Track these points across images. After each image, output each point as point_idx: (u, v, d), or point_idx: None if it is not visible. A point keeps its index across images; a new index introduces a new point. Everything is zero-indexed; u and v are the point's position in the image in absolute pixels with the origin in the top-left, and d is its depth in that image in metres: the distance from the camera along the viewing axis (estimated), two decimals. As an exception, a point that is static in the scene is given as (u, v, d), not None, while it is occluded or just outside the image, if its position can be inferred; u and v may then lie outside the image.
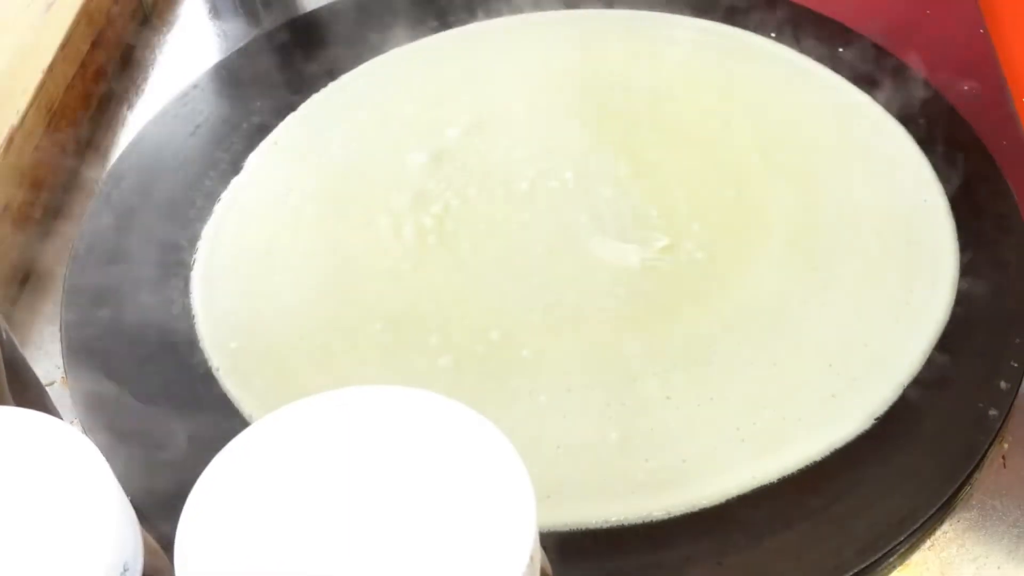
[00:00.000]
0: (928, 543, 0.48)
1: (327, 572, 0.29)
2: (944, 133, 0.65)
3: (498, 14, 0.72)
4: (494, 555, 0.30)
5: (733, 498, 0.48)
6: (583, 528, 0.47)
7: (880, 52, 0.70)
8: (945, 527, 0.49)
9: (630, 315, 0.55)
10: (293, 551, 0.29)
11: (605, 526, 0.47)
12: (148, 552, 0.32)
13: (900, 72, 0.68)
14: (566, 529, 0.47)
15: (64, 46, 0.66)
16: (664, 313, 0.55)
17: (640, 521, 0.47)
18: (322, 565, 0.29)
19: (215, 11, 0.78)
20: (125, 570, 0.30)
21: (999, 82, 0.71)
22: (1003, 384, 0.52)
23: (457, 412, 0.34)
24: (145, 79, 0.72)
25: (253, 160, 0.63)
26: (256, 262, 0.57)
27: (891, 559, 0.47)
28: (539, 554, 0.32)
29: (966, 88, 0.70)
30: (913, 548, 0.48)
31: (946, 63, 0.71)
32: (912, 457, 0.50)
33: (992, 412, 0.51)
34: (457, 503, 0.31)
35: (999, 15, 0.76)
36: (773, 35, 0.71)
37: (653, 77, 0.68)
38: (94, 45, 0.70)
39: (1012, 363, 0.53)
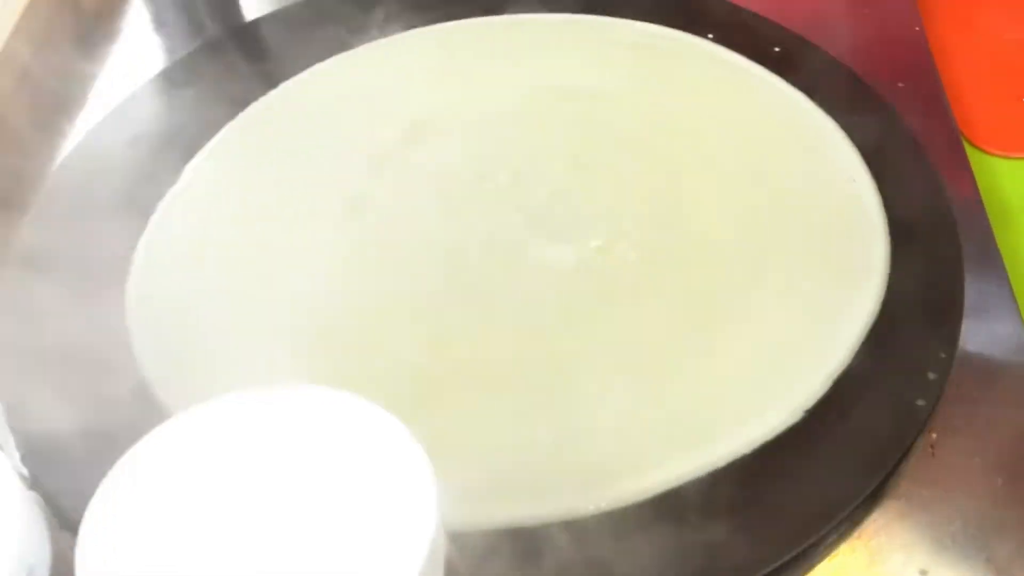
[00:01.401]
0: (856, 533, 0.49)
1: (228, 566, 0.29)
2: (878, 130, 0.65)
3: (438, 20, 0.73)
4: (393, 551, 0.30)
5: (662, 493, 0.48)
6: (516, 527, 0.48)
7: (815, 51, 0.70)
8: (874, 516, 0.50)
9: (564, 315, 0.55)
10: (195, 546, 0.30)
11: (537, 525, 0.48)
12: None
13: (835, 71, 0.69)
14: (500, 528, 0.47)
15: (2, 57, 0.66)
16: (598, 312, 0.56)
17: (571, 518, 0.48)
18: (223, 559, 0.29)
19: (158, 21, 0.79)
20: (31, 573, 0.30)
21: (934, 79, 0.71)
22: (931, 375, 0.53)
23: (364, 411, 0.34)
24: (86, 90, 0.72)
25: (191, 169, 0.63)
26: (191, 269, 0.58)
27: (819, 549, 0.48)
28: (442, 550, 0.32)
29: (901, 85, 0.71)
30: (842, 538, 0.49)
31: (882, 61, 0.73)
32: (841, 448, 0.50)
33: (920, 402, 0.52)
34: (360, 500, 0.31)
35: (934, 13, 0.77)
36: (711, 36, 0.72)
37: (591, 80, 0.68)
38: (34, 55, 0.70)
39: (940, 354, 0.54)
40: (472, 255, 0.58)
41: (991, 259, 0.61)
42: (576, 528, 0.48)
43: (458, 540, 0.47)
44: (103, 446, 0.46)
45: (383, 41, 0.71)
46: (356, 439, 0.33)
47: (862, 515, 0.49)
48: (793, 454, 0.50)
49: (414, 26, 0.72)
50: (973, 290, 0.58)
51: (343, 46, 0.72)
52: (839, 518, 0.48)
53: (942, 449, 0.52)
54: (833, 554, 0.48)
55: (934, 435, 0.52)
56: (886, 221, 0.60)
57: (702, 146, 0.64)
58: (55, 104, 0.71)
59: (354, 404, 0.34)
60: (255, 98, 0.68)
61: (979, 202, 0.63)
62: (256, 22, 0.75)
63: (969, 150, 0.68)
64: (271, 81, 0.69)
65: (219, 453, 0.32)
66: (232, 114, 0.67)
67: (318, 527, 0.30)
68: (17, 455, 0.49)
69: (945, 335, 0.54)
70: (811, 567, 0.48)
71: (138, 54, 0.75)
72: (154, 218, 0.61)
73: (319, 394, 0.34)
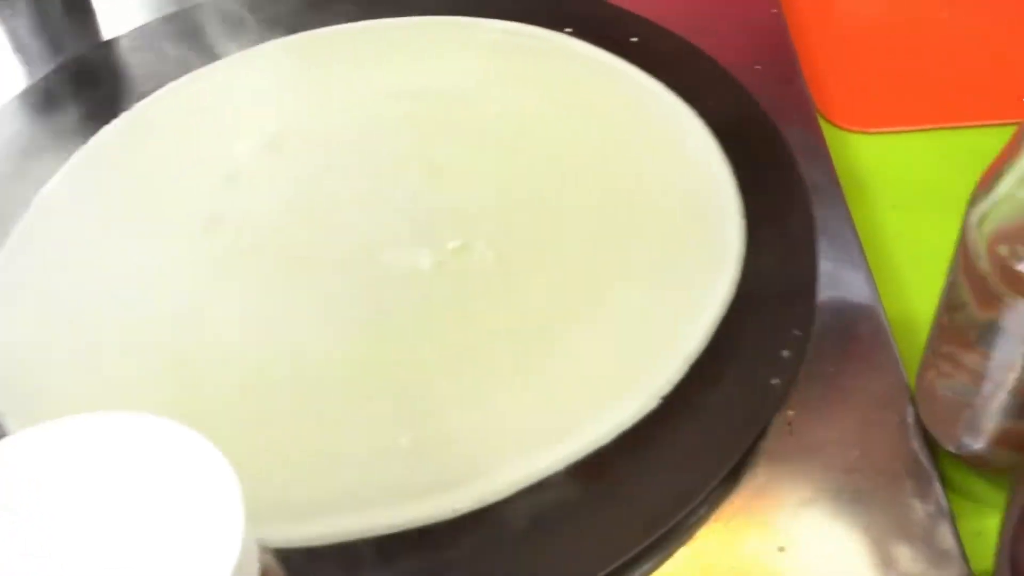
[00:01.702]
0: (715, 516, 0.49)
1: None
2: (734, 113, 0.66)
3: (294, 31, 0.72)
4: (198, 570, 0.30)
5: (520, 491, 0.48)
6: (373, 535, 0.47)
7: (672, 38, 0.71)
8: (732, 498, 0.50)
9: (422, 318, 0.55)
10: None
11: (394, 531, 0.47)
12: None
13: (692, 57, 0.70)
14: (357, 537, 0.47)
15: None
16: (455, 314, 0.56)
17: (430, 522, 0.48)
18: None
19: (17, 43, 0.77)
20: None
21: (791, 60, 0.72)
22: (786, 353, 0.53)
23: (177, 434, 0.34)
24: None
25: (43, 194, 0.62)
26: (44, 294, 0.57)
27: (678, 534, 0.48)
28: (255, 568, 0.32)
29: (758, 67, 0.71)
30: (700, 522, 0.49)
31: (739, 44, 0.73)
32: (697, 433, 0.51)
33: (774, 381, 0.52)
34: (166, 525, 0.31)
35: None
36: (569, 31, 0.72)
37: (448, 82, 0.68)
38: None
39: (795, 331, 0.54)
40: (328, 264, 0.58)
41: (847, 235, 0.61)
42: (436, 533, 0.48)
43: (315, 553, 0.47)
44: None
45: (239, 55, 0.71)
46: (168, 464, 0.33)
47: (720, 498, 0.50)
48: (650, 441, 0.51)
49: (270, 38, 0.72)
50: (830, 266, 0.59)
51: (200, 62, 0.71)
52: (695, 502, 0.48)
53: (800, 426, 0.53)
54: (692, 538, 0.49)
55: (791, 412, 0.53)
56: (741, 204, 0.60)
57: (559, 141, 0.64)
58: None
59: (170, 429, 0.33)
60: (110, 119, 0.67)
61: (835, 180, 0.64)
62: (113, 41, 0.74)
63: (827, 128, 0.69)
64: (126, 101, 0.69)
65: (27, 479, 0.32)
66: (86, 136, 0.66)
67: (122, 552, 0.30)
68: None
69: (799, 314, 0.55)
70: (670, 554, 0.48)
71: (-6, 79, 0.74)
72: (8, 242, 0.60)
73: (136, 420, 0.34)
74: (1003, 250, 0.43)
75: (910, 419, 0.53)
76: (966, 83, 0.71)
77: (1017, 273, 0.42)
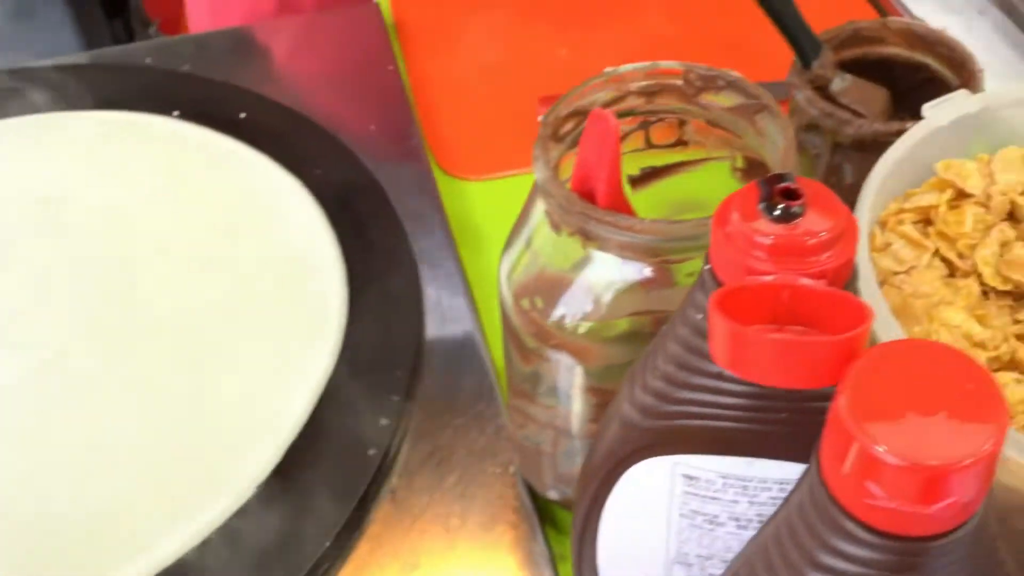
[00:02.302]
0: (322, 592, 0.49)
1: None
2: (342, 181, 0.66)
3: None
4: None
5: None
6: None
7: (280, 110, 0.71)
8: (343, 571, 0.50)
9: (9, 428, 0.53)
10: None
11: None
12: None
13: (300, 126, 0.70)
14: None
15: None
16: (53, 423, 0.54)
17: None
18: None
19: None
20: None
21: (407, 116, 0.73)
22: (383, 421, 0.53)
23: None
24: None
25: None
26: None
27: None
28: None
29: (372, 128, 0.72)
30: (308, 602, 0.49)
31: (357, 104, 0.74)
32: (293, 516, 0.50)
33: (371, 451, 0.52)
34: None
35: (410, 48, 0.79)
36: (176, 113, 0.71)
37: (45, 180, 0.66)
38: None
39: (394, 397, 0.54)
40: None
41: (458, 288, 0.62)
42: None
43: None
44: None
45: None
46: None
47: (328, 571, 0.49)
48: (250, 530, 0.50)
49: None
50: (438, 318, 0.60)
51: None
52: (298, 582, 0.47)
53: (403, 490, 0.53)
54: (300, 617, 0.48)
55: (395, 479, 0.53)
56: (345, 273, 0.60)
57: (163, 228, 0.63)
58: None
59: None
60: None
61: (447, 230, 0.65)
62: None
63: (442, 178, 0.70)
64: None
65: None
66: None
67: None
68: None
69: (398, 379, 0.55)
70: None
71: None
72: None
73: None
74: (525, 303, 0.44)
75: (512, 468, 0.53)
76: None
77: (541, 326, 0.43)
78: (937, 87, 0.60)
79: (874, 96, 0.58)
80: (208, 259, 0.62)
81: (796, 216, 0.30)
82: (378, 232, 0.63)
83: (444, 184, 0.69)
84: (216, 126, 0.70)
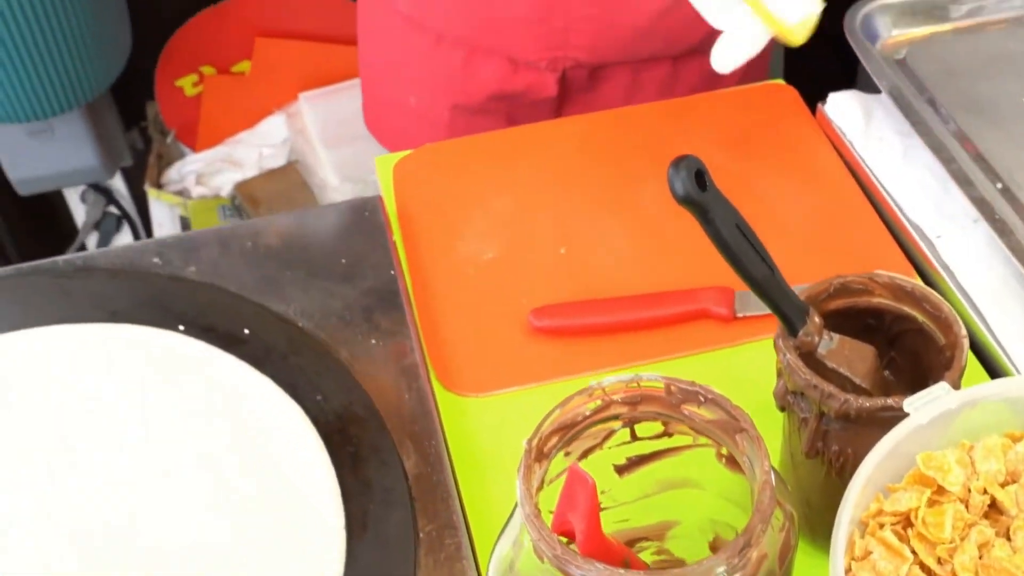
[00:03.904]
0: None
1: None
2: (341, 406, 0.67)
3: None
4: None
5: None
6: None
7: (284, 325, 0.72)
8: None
9: None
10: None
11: None
12: None
13: (304, 345, 0.71)
14: None
15: None
16: None
17: None
18: None
19: None
20: None
21: (408, 331, 0.74)
22: None
23: None
24: None
25: None
26: None
27: None
28: None
29: (373, 342, 0.73)
30: None
31: (358, 319, 0.75)
32: None
33: None
34: None
35: (414, 258, 0.80)
36: (181, 328, 0.72)
37: (47, 397, 0.68)
38: None
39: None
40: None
41: (457, 527, 0.63)
42: None
43: None
44: None
45: None
46: None
47: None
48: None
49: None
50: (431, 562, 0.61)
51: None
52: None
53: None
54: None
55: None
56: (344, 515, 0.62)
57: (162, 459, 0.65)
58: None
59: None
60: None
61: (445, 456, 0.66)
62: None
63: (442, 394, 0.71)
64: None
65: None
66: None
67: None
68: None
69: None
70: None
71: None
72: None
73: None
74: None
75: None
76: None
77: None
78: (923, 339, 0.61)
79: (862, 355, 0.59)
80: (206, 494, 0.63)
81: None
82: (377, 470, 0.64)
83: (443, 399, 0.71)
84: (220, 343, 0.71)
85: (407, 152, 0.88)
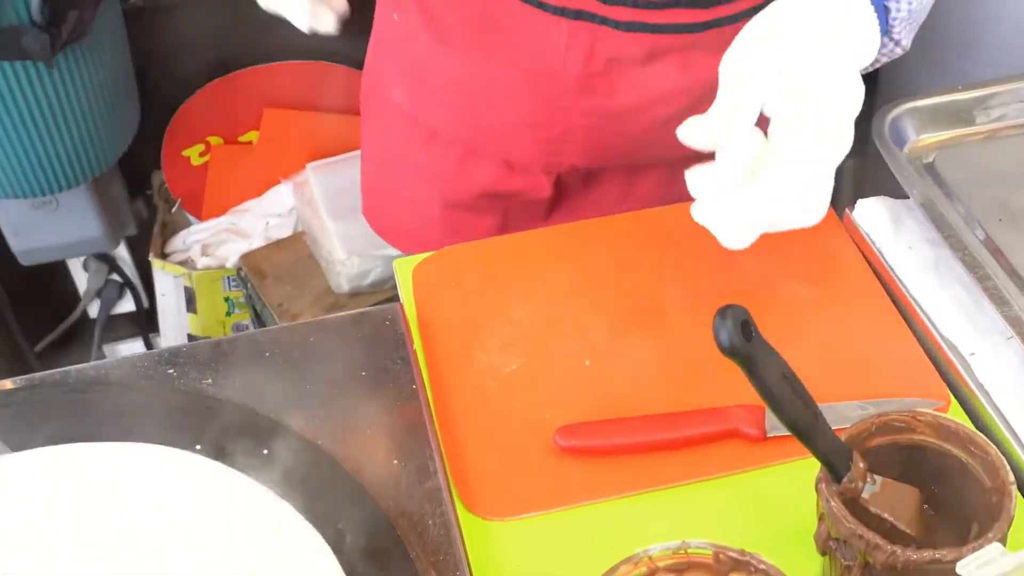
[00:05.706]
0: None
1: None
2: (363, 537, 0.66)
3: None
4: None
5: None
6: None
7: (304, 446, 0.70)
8: None
9: None
10: None
11: None
12: None
13: (325, 468, 0.69)
14: None
15: None
16: None
17: None
18: None
19: None
20: None
21: (430, 455, 0.72)
22: None
23: None
24: None
25: None
26: None
27: None
28: None
29: (396, 462, 0.71)
30: None
31: (378, 438, 0.73)
32: None
33: None
34: None
35: (440, 386, 0.78)
36: (199, 448, 0.70)
37: (65, 517, 0.66)
38: None
39: None
40: None
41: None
42: None
43: None
44: None
45: None
46: None
47: None
48: None
49: None
50: None
51: None
52: None
53: None
54: None
55: None
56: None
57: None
58: None
59: None
60: None
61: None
62: None
63: (466, 516, 0.69)
64: None
65: None
66: None
67: None
68: None
69: None
70: None
71: None
72: None
73: None
74: None
75: None
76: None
77: None
78: (967, 480, 0.59)
79: (905, 499, 0.58)
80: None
81: None
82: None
83: (466, 521, 0.69)
84: (237, 464, 0.69)
85: (427, 254, 0.87)
